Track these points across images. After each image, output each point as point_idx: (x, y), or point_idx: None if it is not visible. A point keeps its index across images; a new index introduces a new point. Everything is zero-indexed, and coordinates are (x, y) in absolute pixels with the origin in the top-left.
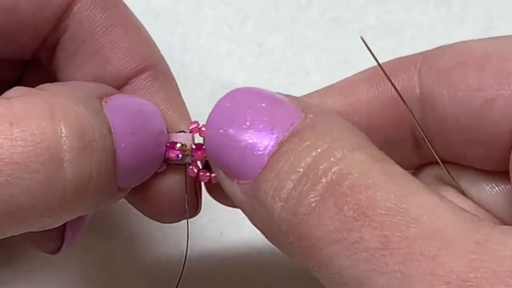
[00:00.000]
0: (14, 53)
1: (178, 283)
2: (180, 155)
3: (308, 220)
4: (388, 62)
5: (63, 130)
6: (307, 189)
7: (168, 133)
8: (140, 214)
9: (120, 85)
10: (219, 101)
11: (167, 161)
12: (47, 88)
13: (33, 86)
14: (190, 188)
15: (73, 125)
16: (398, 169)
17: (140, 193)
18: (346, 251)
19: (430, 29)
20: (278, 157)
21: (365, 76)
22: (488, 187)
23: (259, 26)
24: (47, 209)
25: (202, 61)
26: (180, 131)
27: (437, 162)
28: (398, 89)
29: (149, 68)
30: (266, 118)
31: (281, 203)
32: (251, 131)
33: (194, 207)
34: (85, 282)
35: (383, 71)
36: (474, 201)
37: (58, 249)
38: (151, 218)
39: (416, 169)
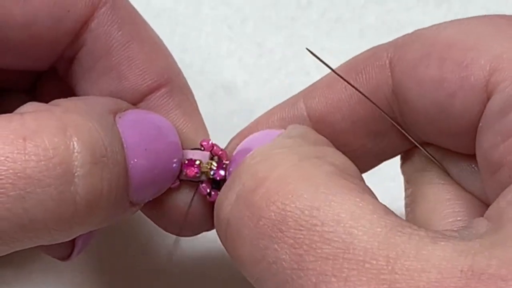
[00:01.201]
0: (31, 65)
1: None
2: (198, 173)
3: (229, 236)
4: (362, 53)
5: (75, 145)
6: (223, 199)
7: (183, 149)
8: (140, 214)
9: (136, 101)
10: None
11: (181, 177)
12: (61, 103)
13: (49, 96)
14: (205, 203)
15: (85, 141)
16: (322, 167)
17: (155, 208)
18: (266, 272)
19: None
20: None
21: (342, 73)
22: (468, 167)
23: (259, 26)
24: (59, 222)
25: (202, 61)
26: (196, 148)
27: (423, 144)
28: (373, 81)
29: (165, 85)
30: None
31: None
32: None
33: (211, 221)
34: (85, 282)
35: (341, 77)
36: (456, 182)
37: (68, 256)
38: (168, 232)
39: (406, 151)
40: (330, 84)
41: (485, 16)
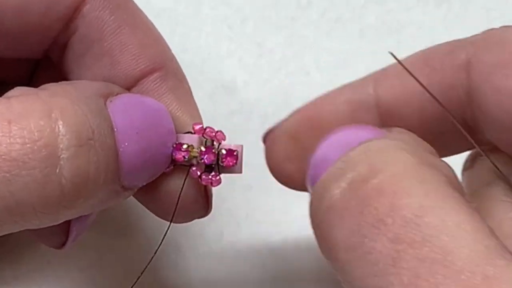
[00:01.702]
0: (24, 53)
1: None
2: (186, 157)
3: (330, 219)
4: (440, 46)
5: (61, 128)
6: (332, 181)
7: (176, 133)
8: (140, 214)
9: (129, 86)
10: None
11: (173, 162)
12: (49, 87)
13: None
14: (199, 188)
15: (70, 123)
16: (436, 176)
17: (149, 193)
18: (358, 261)
19: (430, 29)
20: (338, 162)
21: (416, 67)
22: None
23: (259, 26)
24: (46, 205)
25: (202, 61)
26: (187, 132)
27: (493, 150)
28: (447, 81)
29: (158, 69)
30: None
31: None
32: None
33: (205, 207)
34: (84, 282)
35: (420, 83)
36: None
37: (63, 244)
38: (162, 218)
39: (472, 159)
40: (402, 75)
41: None
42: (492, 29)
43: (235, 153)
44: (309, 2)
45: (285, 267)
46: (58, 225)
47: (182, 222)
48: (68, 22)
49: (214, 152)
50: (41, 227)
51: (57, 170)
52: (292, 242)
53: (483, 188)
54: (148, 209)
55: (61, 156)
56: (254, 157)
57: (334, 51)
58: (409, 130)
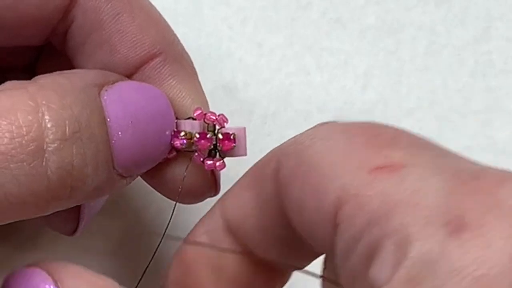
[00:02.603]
0: (25, 42)
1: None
2: (184, 144)
3: None
4: (260, 161)
5: (47, 123)
6: None
7: (177, 119)
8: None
9: (130, 74)
10: None
11: (175, 148)
12: (39, 80)
13: (49, 71)
14: (204, 172)
15: (56, 118)
16: None
17: (155, 178)
18: None
19: (430, 29)
20: None
21: (248, 188)
22: None
23: (259, 26)
24: (34, 197)
25: (202, 61)
26: (189, 118)
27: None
28: (269, 191)
29: (158, 55)
30: None
31: None
32: None
33: (213, 189)
34: None
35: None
36: None
37: (74, 231)
38: (171, 200)
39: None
40: (241, 195)
41: (343, 130)
42: (292, 137)
43: (231, 136)
44: (309, 2)
45: None
46: (69, 212)
47: (193, 203)
48: (66, 11)
49: (209, 138)
50: (31, 217)
51: (43, 163)
52: None
53: None
54: (157, 191)
55: (47, 149)
56: (254, 157)
57: (334, 51)
58: (257, 248)
